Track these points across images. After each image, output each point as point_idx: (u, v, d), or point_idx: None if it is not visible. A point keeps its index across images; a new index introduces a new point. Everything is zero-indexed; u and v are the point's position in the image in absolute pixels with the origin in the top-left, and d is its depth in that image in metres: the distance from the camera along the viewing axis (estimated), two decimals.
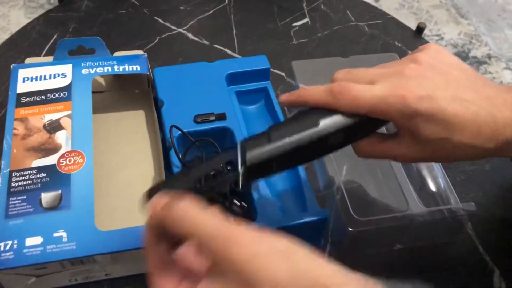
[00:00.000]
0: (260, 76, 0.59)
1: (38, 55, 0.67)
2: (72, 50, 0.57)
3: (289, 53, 0.71)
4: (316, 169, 0.55)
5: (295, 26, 0.75)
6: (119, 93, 0.61)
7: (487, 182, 0.58)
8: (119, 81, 0.60)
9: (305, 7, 0.79)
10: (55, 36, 0.70)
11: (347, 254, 0.49)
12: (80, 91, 0.53)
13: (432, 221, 0.49)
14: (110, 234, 0.42)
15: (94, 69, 0.55)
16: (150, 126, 0.58)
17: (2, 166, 0.46)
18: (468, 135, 0.34)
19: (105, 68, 0.55)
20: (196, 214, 0.30)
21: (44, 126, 0.49)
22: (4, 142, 0.47)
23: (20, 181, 0.45)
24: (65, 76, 0.54)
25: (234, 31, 0.73)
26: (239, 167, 0.35)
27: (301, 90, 0.39)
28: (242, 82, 0.58)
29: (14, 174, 0.45)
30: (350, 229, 0.45)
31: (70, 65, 0.55)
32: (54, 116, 0.50)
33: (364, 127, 0.37)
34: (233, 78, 0.58)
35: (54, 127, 0.49)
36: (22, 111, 0.50)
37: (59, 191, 0.44)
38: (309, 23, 0.76)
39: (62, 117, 0.50)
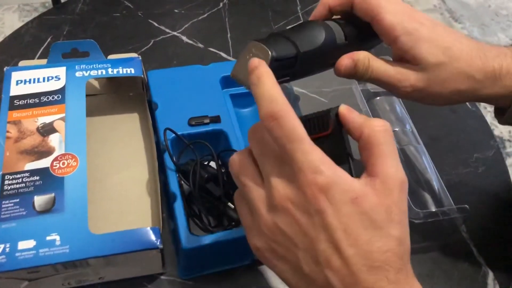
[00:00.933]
0: None
1: (32, 58, 0.66)
2: (66, 53, 0.57)
3: None
4: None
5: None
6: (113, 96, 0.61)
7: (481, 184, 0.58)
8: (113, 84, 0.60)
9: (299, 11, 0.79)
10: (49, 39, 0.70)
11: None
12: (74, 94, 0.52)
13: (427, 224, 0.49)
14: (104, 237, 0.42)
15: (88, 71, 0.55)
16: (144, 129, 0.57)
17: None
18: (463, 63, 0.39)
19: (99, 71, 0.55)
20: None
21: (37, 129, 0.49)
22: None
23: (12, 184, 0.44)
24: (59, 78, 0.54)
25: (228, 34, 0.73)
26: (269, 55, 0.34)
27: None
28: (237, 85, 0.58)
29: (7, 177, 0.45)
30: None
31: (64, 68, 0.55)
32: (47, 119, 0.50)
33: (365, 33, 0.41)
34: (228, 81, 0.58)
35: (47, 130, 0.49)
36: (15, 114, 0.50)
37: (52, 194, 0.44)
38: None
39: (55, 120, 0.50)
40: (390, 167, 0.30)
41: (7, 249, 0.40)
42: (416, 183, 0.54)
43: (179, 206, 0.46)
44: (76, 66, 0.55)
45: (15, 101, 0.51)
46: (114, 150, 0.55)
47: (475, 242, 0.53)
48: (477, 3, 1.92)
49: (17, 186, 0.44)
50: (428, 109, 0.64)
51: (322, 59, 0.39)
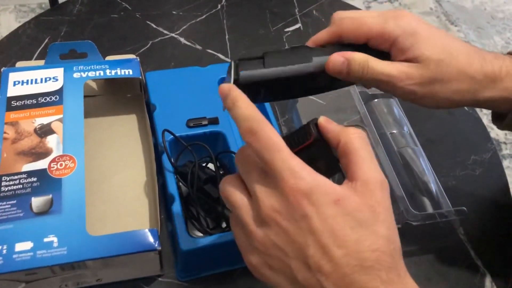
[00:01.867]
0: None
1: (29, 59, 0.66)
2: (63, 54, 0.57)
3: None
4: None
5: (288, 31, 0.76)
6: (111, 97, 0.60)
7: (478, 187, 0.58)
8: (111, 85, 0.60)
9: (297, 13, 0.79)
10: (46, 40, 0.69)
11: None
12: (72, 95, 0.52)
13: (424, 226, 0.49)
14: (102, 239, 0.42)
15: (86, 73, 0.55)
16: (142, 130, 0.57)
17: None
18: (462, 62, 0.39)
19: (97, 72, 0.55)
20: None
21: (35, 130, 0.49)
22: None
23: (10, 185, 0.44)
24: (57, 79, 0.53)
25: (226, 36, 0.73)
26: (231, 82, 0.35)
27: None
28: None
29: (4, 178, 0.45)
30: None
31: (61, 69, 0.54)
32: (45, 120, 0.50)
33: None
34: None
35: (45, 131, 0.49)
36: (12, 115, 0.50)
37: (50, 196, 0.44)
38: (301, 28, 0.76)
39: (53, 121, 0.50)
40: (368, 169, 0.31)
41: (4, 251, 0.40)
42: (414, 185, 0.54)
43: (177, 208, 0.46)
44: (74, 67, 0.55)
45: (12, 102, 0.51)
46: (112, 152, 0.55)
47: (473, 244, 0.53)
48: (473, 6, 1.93)
49: (14, 187, 0.44)
50: (425, 111, 0.64)
51: (295, 84, 0.38)
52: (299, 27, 0.77)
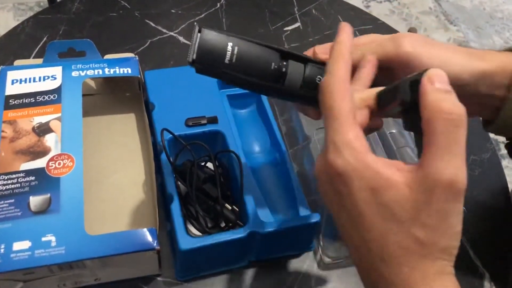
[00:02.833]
0: None
1: (27, 57, 0.66)
2: (62, 52, 0.57)
3: None
4: (308, 173, 0.55)
5: (287, 30, 0.76)
6: (110, 96, 0.60)
7: (478, 187, 0.58)
8: (109, 84, 0.60)
9: (296, 12, 0.79)
10: (44, 39, 0.69)
11: (339, 258, 0.49)
12: (70, 93, 0.52)
13: None
14: (100, 238, 0.42)
15: (85, 71, 0.54)
16: (141, 129, 0.57)
17: None
18: (462, 56, 0.37)
19: (96, 71, 0.55)
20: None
21: (33, 128, 0.49)
22: None
23: (8, 184, 0.44)
24: (55, 78, 0.53)
25: None
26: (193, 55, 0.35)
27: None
28: (234, 86, 0.58)
29: (2, 177, 0.44)
30: None
31: (60, 67, 0.54)
32: (43, 119, 0.49)
33: None
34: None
35: (43, 129, 0.49)
36: (10, 114, 0.50)
37: (48, 195, 0.44)
38: (301, 27, 0.76)
39: (51, 119, 0.49)
40: (439, 162, 0.26)
41: (2, 250, 0.40)
42: None
43: (176, 207, 0.45)
44: (73, 66, 0.55)
45: (10, 101, 0.51)
46: (111, 151, 0.55)
47: (472, 243, 0.53)
48: (472, 6, 1.93)
49: (12, 186, 0.44)
50: None
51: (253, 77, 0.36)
52: (299, 26, 0.77)
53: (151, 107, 0.54)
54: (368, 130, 0.34)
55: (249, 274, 0.48)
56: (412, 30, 0.76)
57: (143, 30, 0.72)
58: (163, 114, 0.53)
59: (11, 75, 0.53)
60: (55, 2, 0.76)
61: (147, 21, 0.74)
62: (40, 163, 0.46)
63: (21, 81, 0.53)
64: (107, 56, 0.58)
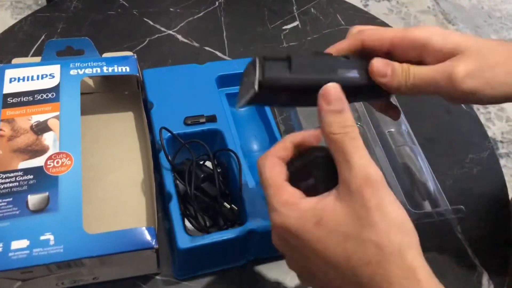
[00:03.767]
0: None
1: (25, 55, 0.66)
2: (60, 50, 0.57)
3: None
4: None
5: (285, 29, 0.76)
6: (108, 94, 0.60)
7: (476, 185, 0.58)
8: (108, 82, 0.60)
9: (295, 11, 0.79)
10: (42, 37, 0.69)
11: None
12: (69, 92, 0.52)
13: (421, 224, 0.49)
14: (98, 237, 0.42)
15: (83, 70, 0.54)
16: (139, 128, 0.57)
17: None
18: (503, 45, 0.37)
19: (94, 69, 0.55)
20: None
21: (31, 127, 0.48)
22: None
23: (6, 183, 0.44)
24: (53, 76, 0.53)
25: (224, 34, 0.73)
26: (256, 84, 0.34)
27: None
28: (233, 84, 0.58)
29: (0, 176, 0.44)
30: None
31: (58, 66, 0.54)
32: (41, 117, 0.49)
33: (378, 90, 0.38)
34: (224, 80, 0.57)
35: (41, 128, 0.49)
36: (8, 112, 0.49)
37: (46, 193, 0.44)
38: (299, 26, 0.76)
39: (49, 118, 0.49)
40: (347, 170, 0.30)
41: (0, 249, 0.40)
42: (412, 184, 0.54)
43: (174, 206, 0.45)
44: (71, 64, 0.54)
45: (8, 99, 0.50)
46: (109, 149, 0.55)
47: (470, 242, 0.53)
48: (471, 5, 1.94)
49: (11, 185, 0.44)
50: (423, 110, 0.65)
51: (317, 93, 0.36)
52: (297, 24, 0.76)
53: (150, 106, 0.54)
54: None
55: (248, 273, 0.48)
56: None
57: (141, 28, 0.72)
58: (162, 113, 0.53)
59: (9, 73, 0.53)
60: (53, 0, 0.76)
61: (145, 19, 0.74)
62: (38, 161, 0.46)
63: (19, 79, 0.52)
64: (105, 55, 0.58)
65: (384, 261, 0.28)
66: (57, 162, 0.46)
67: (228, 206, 0.47)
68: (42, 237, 0.41)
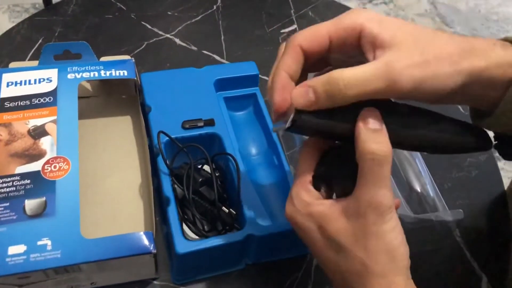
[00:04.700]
0: (248, 82, 0.58)
1: (23, 59, 0.66)
2: (58, 54, 0.56)
3: None
4: None
5: (283, 32, 0.76)
6: (106, 98, 0.60)
7: (474, 189, 0.58)
8: (105, 86, 0.60)
9: (293, 14, 0.79)
10: (40, 41, 0.69)
11: None
12: (66, 96, 0.52)
13: (420, 228, 0.49)
14: (96, 242, 0.41)
15: (80, 73, 0.54)
16: (137, 132, 0.57)
17: None
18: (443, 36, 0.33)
19: (92, 73, 0.54)
20: None
21: (28, 131, 0.48)
22: None
23: (3, 187, 0.44)
24: (51, 80, 0.53)
25: (222, 37, 0.73)
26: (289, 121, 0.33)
27: None
28: (231, 88, 0.58)
29: None
30: None
31: (55, 70, 0.54)
32: (38, 122, 0.49)
33: None
34: (222, 84, 0.57)
35: (38, 132, 0.48)
36: (5, 116, 0.49)
37: (44, 198, 0.43)
38: (297, 29, 0.76)
39: (47, 122, 0.49)
40: (368, 193, 0.32)
41: None
42: (410, 187, 0.54)
43: (172, 211, 0.45)
44: (68, 68, 0.54)
45: (5, 103, 0.50)
46: (107, 153, 0.54)
47: (469, 246, 0.53)
48: (468, 8, 1.94)
49: (8, 189, 0.43)
50: None
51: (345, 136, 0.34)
52: (295, 28, 0.77)
53: (148, 110, 0.54)
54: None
55: (246, 277, 0.48)
56: None
57: (139, 32, 0.72)
58: (160, 117, 0.53)
59: (6, 77, 0.53)
60: (50, 4, 0.76)
61: (143, 23, 0.74)
62: (35, 166, 0.45)
63: (16, 83, 0.52)
64: (103, 59, 0.58)
65: (367, 277, 0.32)
66: (55, 167, 0.46)
67: (227, 210, 0.47)
68: (39, 242, 0.41)
